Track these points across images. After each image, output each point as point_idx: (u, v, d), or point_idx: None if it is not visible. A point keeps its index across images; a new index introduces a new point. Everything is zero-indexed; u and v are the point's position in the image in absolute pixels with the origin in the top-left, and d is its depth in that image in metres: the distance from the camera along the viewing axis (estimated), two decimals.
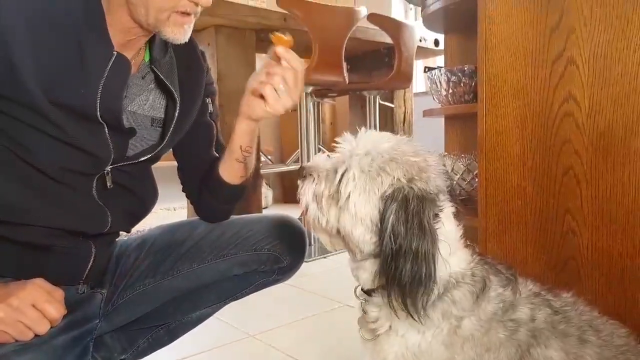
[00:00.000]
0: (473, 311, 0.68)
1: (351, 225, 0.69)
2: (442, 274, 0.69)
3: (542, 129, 1.14)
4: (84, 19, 0.78)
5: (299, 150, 2.61)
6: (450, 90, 1.64)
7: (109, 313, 0.97)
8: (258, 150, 2.52)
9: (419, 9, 2.08)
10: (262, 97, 0.89)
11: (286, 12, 2.25)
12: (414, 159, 0.70)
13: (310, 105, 2.57)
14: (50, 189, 0.82)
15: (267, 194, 3.90)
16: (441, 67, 1.81)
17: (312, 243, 2.50)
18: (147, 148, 0.93)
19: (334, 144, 0.75)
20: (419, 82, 3.94)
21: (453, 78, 1.62)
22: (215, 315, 1.12)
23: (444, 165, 0.73)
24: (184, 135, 0.99)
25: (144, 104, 0.91)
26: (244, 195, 1.06)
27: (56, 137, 0.79)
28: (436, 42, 3.10)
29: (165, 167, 1.16)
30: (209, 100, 1.04)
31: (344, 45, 2.40)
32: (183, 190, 1.10)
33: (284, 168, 3.28)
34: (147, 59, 0.91)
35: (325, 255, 2.41)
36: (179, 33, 0.83)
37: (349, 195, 0.69)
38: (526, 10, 1.15)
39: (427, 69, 1.77)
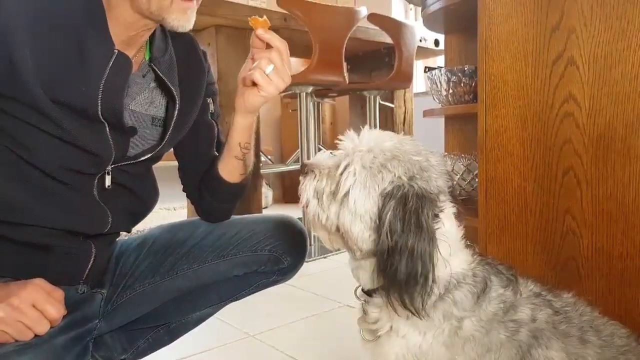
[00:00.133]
0: (474, 312, 0.68)
1: (350, 221, 0.69)
2: (443, 274, 0.69)
3: (543, 129, 1.14)
4: (85, 17, 0.78)
5: (299, 150, 2.61)
6: (451, 91, 1.64)
7: (108, 313, 0.97)
8: (258, 149, 2.52)
9: (419, 9, 2.08)
10: (253, 84, 0.89)
11: (286, 12, 2.25)
12: (416, 158, 0.70)
13: (311, 105, 2.57)
14: (51, 189, 0.82)
15: (267, 193, 3.90)
16: (441, 67, 1.81)
17: (312, 243, 2.50)
18: (148, 148, 0.93)
19: (337, 141, 0.75)
20: (419, 82, 3.94)
21: (453, 78, 1.62)
22: (215, 315, 1.12)
23: (447, 165, 0.73)
24: (184, 135, 0.99)
25: (144, 103, 0.91)
26: (243, 193, 1.06)
27: (57, 136, 0.79)
28: (436, 42, 3.10)
29: (166, 167, 1.16)
30: (210, 100, 1.03)
31: (344, 45, 2.40)
32: (184, 190, 1.10)
33: (284, 168, 3.28)
34: (147, 57, 0.91)
35: (326, 255, 2.41)
36: (183, 20, 0.82)
37: (348, 191, 0.69)
38: (526, 11, 1.15)
39: (427, 69, 1.77)
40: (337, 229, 0.72)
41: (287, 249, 1.05)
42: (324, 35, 2.28)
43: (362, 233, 0.69)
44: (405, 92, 3.27)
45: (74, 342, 0.82)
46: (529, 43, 1.15)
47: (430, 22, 1.90)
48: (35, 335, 0.75)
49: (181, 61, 0.95)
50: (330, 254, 2.42)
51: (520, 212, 1.19)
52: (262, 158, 2.93)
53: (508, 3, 1.18)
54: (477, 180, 1.40)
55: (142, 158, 0.92)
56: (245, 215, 1.13)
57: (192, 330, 1.11)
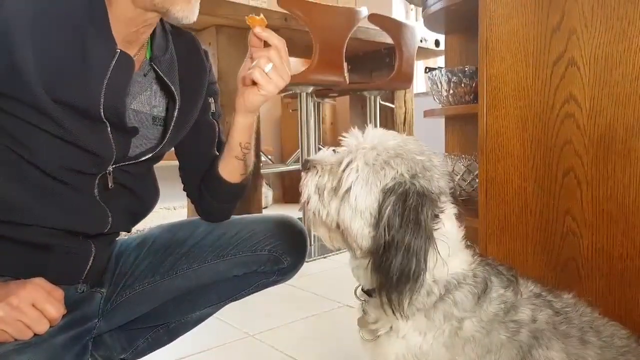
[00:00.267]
0: (474, 312, 0.68)
1: (350, 217, 0.69)
2: (443, 274, 0.69)
3: (543, 130, 1.14)
4: (86, 16, 0.78)
5: (299, 150, 2.61)
6: (451, 91, 1.64)
7: (108, 312, 0.96)
8: (258, 149, 2.52)
9: (420, 9, 2.08)
10: (253, 83, 0.89)
11: (287, 12, 2.25)
12: (419, 157, 0.70)
13: (311, 105, 2.57)
14: (51, 189, 0.82)
15: (267, 193, 3.90)
16: (442, 67, 1.81)
17: (312, 243, 2.50)
18: (149, 147, 0.92)
19: (341, 138, 0.75)
20: (420, 82, 3.94)
21: (454, 78, 1.62)
22: (215, 315, 1.12)
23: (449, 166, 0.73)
24: (185, 135, 0.98)
25: (146, 102, 0.91)
26: (244, 193, 1.06)
27: (58, 136, 0.78)
28: (437, 43, 3.10)
29: (166, 166, 1.16)
30: (211, 99, 1.03)
31: (345, 46, 2.40)
32: (184, 190, 1.10)
33: (284, 168, 3.28)
34: (148, 56, 0.91)
35: (326, 255, 2.41)
36: (188, 10, 0.81)
37: (350, 187, 0.69)
38: (527, 11, 1.15)
39: (427, 70, 1.77)
40: (338, 226, 0.72)
41: (287, 249, 1.05)
42: (325, 35, 2.28)
43: (362, 229, 0.69)
44: (405, 93, 3.27)
45: (74, 341, 0.82)
46: (530, 44, 1.15)
47: (431, 22, 1.90)
48: (35, 335, 0.75)
49: (182, 60, 0.94)
50: (330, 254, 2.42)
51: (520, 212, 1.19)
52: (263, 158, 2.93)
53: (509, 3, 1.18)
54: (477, 180, 1.40)
55: (143, 158, 0.92)
56: (245, 215, 1.13)
57: (192, 330, 1.11)
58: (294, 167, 2.98)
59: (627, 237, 1.02)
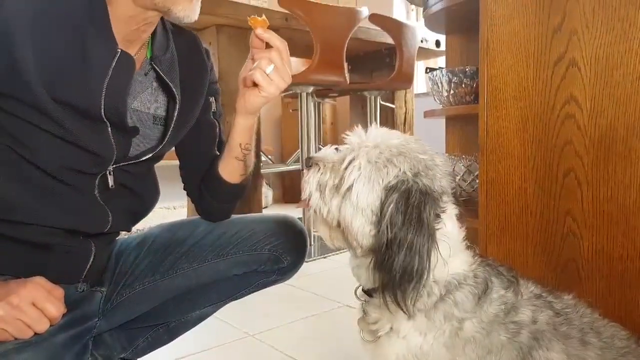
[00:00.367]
0: (475, 313, 0.68)
1: (351, 215, 0.69)
2: (444, 275, 0.68)
3: (544, 131, 1.14)
4: (87, 16, 0.78)
5: (300, 150, 2.61)
6: (452, 91, 1.64)
7: (108, 311, 0.96)
8: (258, 149, 2.52)
9: (421, 9, 2.08)
10: (254, 85, 0.89)
11: (288, 11, 2.25)
12: (422, 156, 0.70)
13: (311, 105, 2.56)
14: (52, 189, 0.82)
15: (267, 193, 3.90)
16: (442, 68, 1.81)
17: (312, 243, 2.50)
18: (149, 147, 0.92)
19: (344, 136, 0.75)
20: (420, 82, 3.94)
21: (454, 79, 1.62)
22: (214, 314, 1.12)
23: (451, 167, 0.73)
24: (186, 134, 0.98)
25: (146, 102, 0.91)
26: (244, 194, 1.06)
27: (59, 136, 0.78)
28: (437, 43, 3.10)
29: (166, 166, 1.16)
30: (212, 98, 1.03)
31: (345, 46, 2.40)
32: (184, 189, 1.10)
33: (285, 168, 3.28)
34: (149, 55, 0.91)
35: (326, 255, 2.41)
36: (189, 9, 0.81)
37: (352, 184, 0.69)
38: (528, 12, 1.15)
39: (428, 70, 1.77)
40: (338, 224, 0.72)
41: (287, 249, 1.05)
42: (325, 35, 2.28)
43: (363, 227, 0.69)
44: (406, 93, 3.27)
45: (74, 341, 0.82)
46: (531, 44, 1.15)
47: (431, 22, 1.90)
48: (35, 334, 0.75)
49: (183, 59, 0.94)
50: (330, 254, 2.42)
51: (520, 213, 1.19)
52: (263, 158, 2.93)
53: (510, 4, 1.18)
54: (477, 181, 1.40)
55: (144, 158, 0.92)
56: (245, 215, 1.13)
57: (192, 330, 1.11)
58: (294, 167, 2.98)
59: (628, 238, 1.02)
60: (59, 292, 0.79)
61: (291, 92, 2.51)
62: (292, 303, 1.79)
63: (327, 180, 0.73)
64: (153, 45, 0.90)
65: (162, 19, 0.89)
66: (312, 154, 0.79)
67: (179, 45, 0.94)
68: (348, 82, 2.52)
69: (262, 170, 2.55)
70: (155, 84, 0.92)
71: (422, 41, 2.93)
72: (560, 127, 1.11)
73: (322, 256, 2.40)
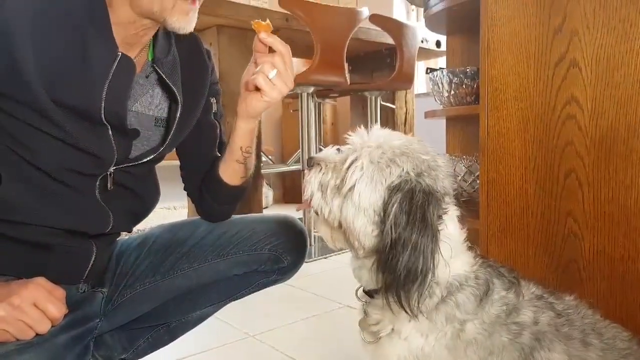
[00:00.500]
0: (476, 314, 0.68)
1: (353, 215, 0.69)
2: (445, 276, 0.68)
3: (545, 131, 1.14)
4: (88, 18, 0.78)
5: (300, 150, 2.61)
6: (452, 92, 1.64)
7: (109, 312, 0.96)
8: (259, 150, 2.52)
9: (421, 10, 2.08)
10: (256, 89, 0.89)
11: (288, 12, 2.25)
12: (425, 157, 0.70)
13: (312, 105, 2.57)
14: (53, 190, 0.82)
15: (267, 193, 3.90)
16: (443, 68, 1.81)
17: (313, 243, 2.50)
18: (150, 149, 0.92)
19: (346, 136, 0.75)
20: (421, 83, 3.94)
21: (455, 79, 1.62)
22: (215, 315, 1.12)
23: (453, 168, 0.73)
24: (187, 135, 0.98)
25: (147, 104, 0.91)
26: (244, 195, 1.06)
27: (59, 138, 0.78)
28: (438, 44, 3.10)
29: (167, 166, 1.16)
30: (213, 99, 1.03)
31: (346, 46, 2.40)
32: (185, 189, 1.10)
33: (285, 168, 3.28)
34: (150, 58, 0.91)
35: (326, 255, 2.41)
36: (184, 21, 0.82)
37: (354, 184, 0.68)
38: (529, 13, 1.15)
39: (429, 70, 1.77)
40: (340, 225, 0.72)
41: (287, 248, 1.05)
42: (326, 36, 2.28)
43: (365, 227, 0.69)
44: (406, 93, 3.27)
45: (75, 341, 0.82)
46: (531, 45, 1.15)
47: (432, 23, 1.90)
48: (37, 335, 0.75)
49: (184, 61, 0.94)
50: (330, 255, 2.42)
51: (521, 214, 1.19)
52: (263, 158, 2.93)
53: (510, 5, 1.18)
54: (478, 181, 1.40)
55: (145, 159, 0.92)
56: (246, 215, 1.13)
57: (192, 330, 1.11)
58: (294, 167, 2.98)
59: (629, 239, 1.02)
60: (60, 292, 0.79)
61: (292, 92, 2.51)
62: (293, 303, 1.79)
63: (328, 181, 0.73)
64: (155, 47, 0.90)
65: None
66: (314, 154, 0.79)
67: (180, 47, 0.94)
68: (348, 82, 2.52)
69: (262, 171, 2.55)
70: (156, 87, 0.92)
71: (422, 41, 2.93)
72: (561, 127, 1.11)
73: (322, 257, 2.40)
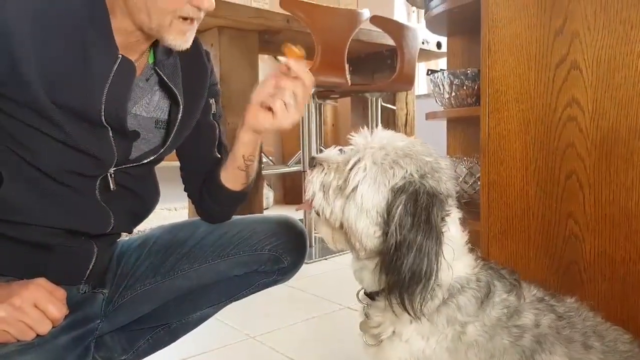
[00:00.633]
0: (478, 317, 0.68)
1: (355, 216, 0.68)
2: (447, 278, 0.68)
3: (545, 133, 1.14)
4: (89, 21, 0.78)
5: (301, 151, 2.61)
6: (453, 93, 1.64)
7: (110, 313, 0.96)
8: (260, 152, 2.52)
9: (422, 11, 2.08)
10: (269, 109, 0.88)
11: (289, 13, 2.25)
12: (428, 158, 0.70)
13: (313, 106, 2.57)
14: (53, 190, 0.82)
15: (268, 194, 3.90)
16: (444, 69, 1.81)
17: (313, 244, 2.50)
18: (150, 150, 0.92)
19: (349, 137, 0.75)
20: (421, 84, 3.94)
21: (456, 81, 1.62)
22: (215, 316, 1.12)
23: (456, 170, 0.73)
24: (187, 136, 0.98)
25: (147, 106, 0.91)
26: (245, 199, 1.06)
27: (60, 139, 0.78)
28: (438, 45, 3.10)
29: (167, 167, 1.16)
30: (212, 100, 1.03)
31: (347, 47, 2.40)
32: (185, 190, 1.10)
33: (286, 169, 3.28)
34: (151, 60, 0.91)
35: (327, 257, 2.41)
36: (181, 40, 0.82)
37: (357, 185, 0.68)
38: (530, 14, 1.15)
39: (430, 72, 1.77)
40: (341, 226, 0.72)
41: (288, 249, 1.05)
42: (327, 37, 2.28)
43: (367, 229, 0.68)
44: (407, 94, 3.27)
45: (76, 342, 0.82)
46: (532, 46, 1.15)
47: (433, 24, 1.90)
48: (37, 335, 0.75)
49: (184, 63, 0.94)
50: (331, 256, 2.41)
51: (522, 215, 1.18)
52: (264, 159, 2.93)
53: (511, 6, 1.18)
54: (479, 183, 1.40)
55: (145, 160, 0.92)
56: (246, 215, 1.13)
57: (193, 331, 1.11)
58: (295, 168, 2.98)
59: (630, 241, 1.02)
60: (61, 293, 0.79)
61: None
62: (293, 305, 1.79)
63: (331, 181, 0.72)
64: (156, 49, 0.90)
65: None
66: (316, 154, 0.79)
67: None
68: (349, 83, 2.52)
69: (263, 172, 2.55)
70: (157, 89, 0.92)
71: (423, 43, 2.93)
72: (562, 129, 1.11)
73: (323, 258, 2.40)
